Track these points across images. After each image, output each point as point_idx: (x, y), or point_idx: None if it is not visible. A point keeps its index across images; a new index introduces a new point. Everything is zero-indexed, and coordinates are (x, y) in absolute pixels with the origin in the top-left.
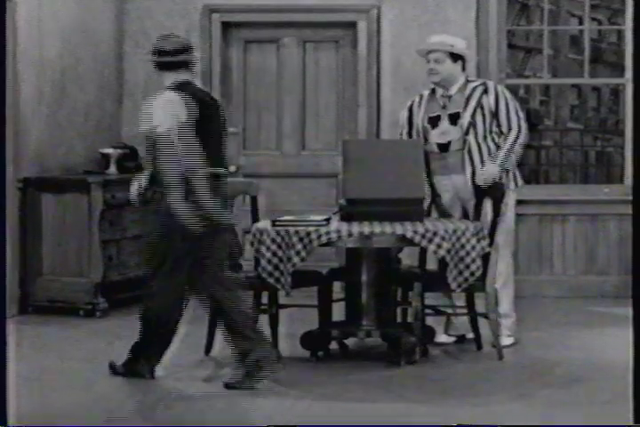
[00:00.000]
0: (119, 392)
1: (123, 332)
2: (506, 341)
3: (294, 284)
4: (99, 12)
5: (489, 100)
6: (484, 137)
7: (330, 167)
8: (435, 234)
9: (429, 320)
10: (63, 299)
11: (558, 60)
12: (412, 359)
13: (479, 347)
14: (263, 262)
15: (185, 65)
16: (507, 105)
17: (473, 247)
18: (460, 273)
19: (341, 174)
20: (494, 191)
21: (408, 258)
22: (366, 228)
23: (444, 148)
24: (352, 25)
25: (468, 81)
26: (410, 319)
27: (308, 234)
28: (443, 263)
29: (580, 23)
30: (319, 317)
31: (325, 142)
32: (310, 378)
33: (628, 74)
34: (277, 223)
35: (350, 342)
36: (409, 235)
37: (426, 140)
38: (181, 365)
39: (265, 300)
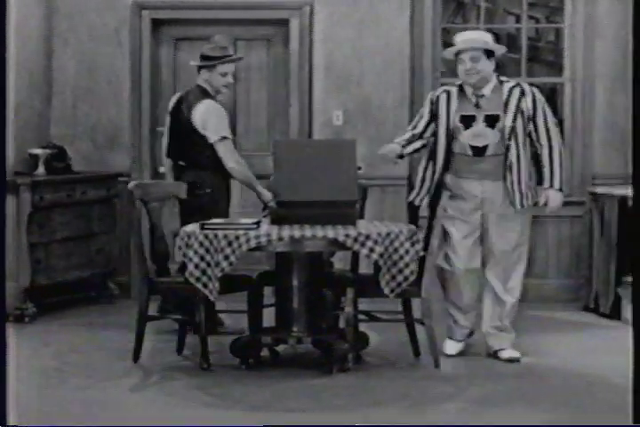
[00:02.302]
0: (47, 405)
1: (51, 338)
2: (513, 353)
3: (223, 289)
4: (27, 9)
5: (527, 105)
6: (524, 144)
7: (261, 168)
8: (367, 237)
9: (363, 326)
10: None
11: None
12: (344, 367)
13: (417, 354)
14: (191, 267)
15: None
16: (544, 112)
17: (407, 251)
18: (393, 278)
19: (273, 176)
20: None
21: (341, 262)
22: (297, 231)
23: (478, 151)
24: (284, 22)
25: (501, 81)
26: (342, 325)
27: (237, 238)
28: (377, 267)
29: (518, 21)
30: (249, 323)
31: (257, 143)
32: (240, 387)
33: (567, 73)
34: (206, 227)
35: (282, 348)
36: (341, 238)
37: (453, 139)
38: (108, 373)
39: None
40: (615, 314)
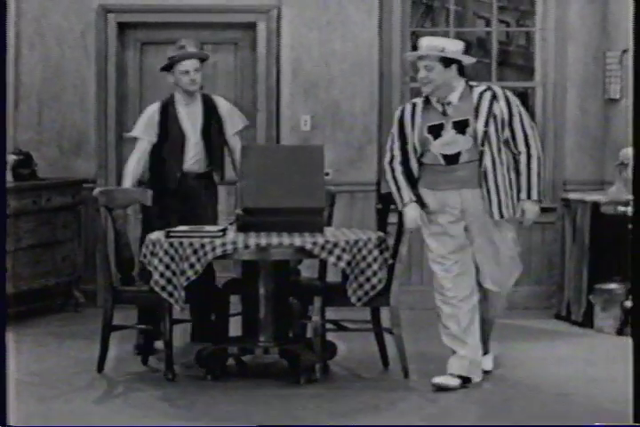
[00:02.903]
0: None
1: (18, 347)
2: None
3: (188, 297)
4: None
5: (501, 108)
6: (499, 149)
7: (229, 174)
8: (335, 245)
9: (331, 336)
10: None
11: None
12: (311, 378)
13: (385, 364)
14: (156, 276)
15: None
16: (520, 115)
17: (375, 259)
18: (361, 286)
19: (239, 181)
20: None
21: (308, 270)
22: (264, 239)
23: (451, 159)
24: (251, 26)
25: (470, 86)
26: (310, 335)
27: (203, 246)
28: (345, 276)
29: (487, 25)
30: (215, 332)
31: None
32: (206, 398)
33: (538, 77)
34: (171, 234)
35: (248, 358)
36: (308, 246)
37: (423, 151)
38: (72, 384)
39: None
40: (587, 322)
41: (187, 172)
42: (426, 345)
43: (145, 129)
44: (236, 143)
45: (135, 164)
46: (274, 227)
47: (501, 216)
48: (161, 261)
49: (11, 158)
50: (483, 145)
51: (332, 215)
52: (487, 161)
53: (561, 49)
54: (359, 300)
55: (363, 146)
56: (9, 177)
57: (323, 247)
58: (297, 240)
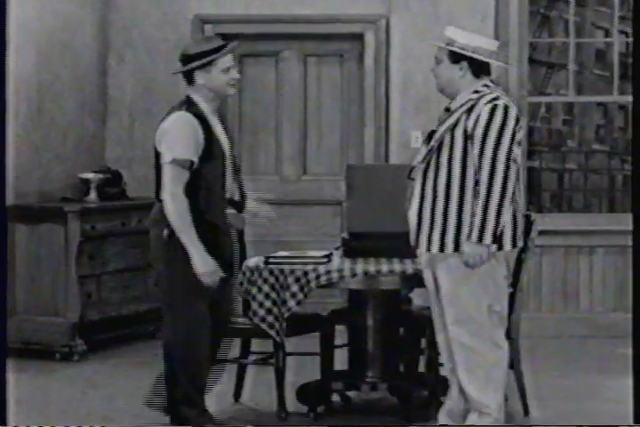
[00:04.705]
0: None
1: (100, 379)
2: None
3: (290, 330)
4: (78, 23)
5: (469, 122)
6: (461, 170)
7: (333, 193)
8: None
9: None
10: (38, 341)
11: (583, 76)
12: (425, 416)
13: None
14: (254, 306)
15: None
16: (490, 138)
17: None
18: None
19: (345, 203)
20: None
21: (420, 298)
22: (372, 266)
23: (409, 172)
24: (358, 37)
25: (481, 95)
26: (422, 369)
27: (306, 274)
28: None
29: (606, 36)
30: (321, 366)
31: (328, 166)
32: None
33: None
34: (271, 261)
35: (354, 394)
36: (420, 273)
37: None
38: (162, 421)
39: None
40: None
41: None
42: (545, 377)
43: (195, 150)
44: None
45: (188, 208)
46: (383, 252)
47: (441, 251)
48: (260, 290)
49: (95, 177)
50: (426, 159)
51: None
52: (418, 176)
53: None
54: None
55: None
56: (93, 196)
57: None
58: (408, 267)
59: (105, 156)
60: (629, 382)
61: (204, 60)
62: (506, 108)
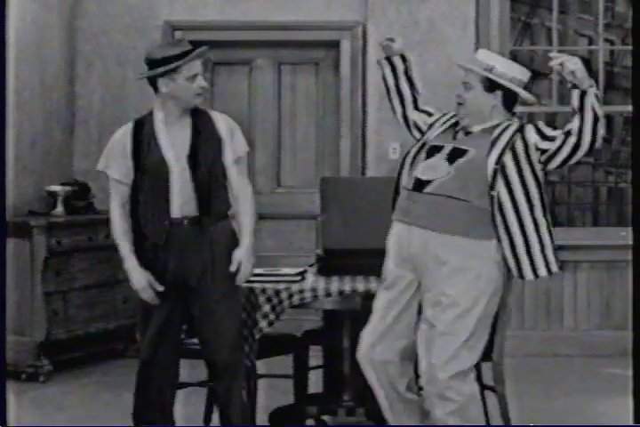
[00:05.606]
0: None
1: (67, 400)
2: None
3: (261, 352)
4: (46, 29)
5: (524, 143)
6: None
7: (308, 207)
8: None
9: None
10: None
11: (565, 86)
12: None
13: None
14: None
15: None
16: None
17: None
18: None
19: (320, 218)
20: None
21: None
22: (348, 285)
23: (419, 185)
24: (334, 44)
25: (509, 124)
26: None
27: (278, 293)
28: None
29: (590, 44)
30: (294, 389)
31: (303, 179)
32: None
33: None
34: None
35: (329, 419)
36: None
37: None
38: None
39: None
40: None
41: (176, 218)
42: (529, 399)
43: (119, 168)
44: (236, 175)
45: (121, 220)
46: (359, 270)
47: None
48: None
49: (62, 189)
50: (492, 187)
51: None
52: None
53: None
54: None
55: None
56: (59, 210)
57: None
58: None
59: (73, 168)
60: (617, 402)
61: (168, 67)
62: None
